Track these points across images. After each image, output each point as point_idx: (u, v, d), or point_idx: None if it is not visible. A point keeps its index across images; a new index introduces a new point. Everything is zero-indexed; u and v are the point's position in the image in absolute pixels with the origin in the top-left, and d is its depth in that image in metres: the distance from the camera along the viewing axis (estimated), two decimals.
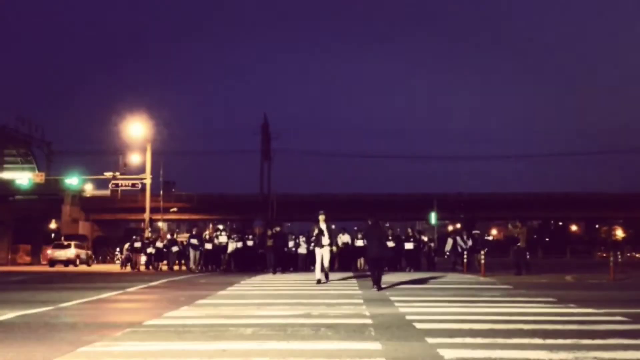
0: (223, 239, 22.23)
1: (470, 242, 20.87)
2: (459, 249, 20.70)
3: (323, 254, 13.31)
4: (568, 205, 52.75)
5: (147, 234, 31.10)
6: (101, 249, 49.30)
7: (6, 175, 52.11)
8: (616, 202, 51.97)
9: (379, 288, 11.25)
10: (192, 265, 21.98)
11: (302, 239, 21.46)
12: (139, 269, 25.30)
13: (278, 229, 20.85)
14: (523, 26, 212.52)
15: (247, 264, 21.65)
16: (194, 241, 22.21)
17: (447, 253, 22.22)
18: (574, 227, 78.95)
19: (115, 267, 30.53)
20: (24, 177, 41.52)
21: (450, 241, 22.16)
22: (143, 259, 26.05)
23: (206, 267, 22.12)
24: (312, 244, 14.73)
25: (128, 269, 26.58)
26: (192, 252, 22.06)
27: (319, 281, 13.01)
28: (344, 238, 20.79)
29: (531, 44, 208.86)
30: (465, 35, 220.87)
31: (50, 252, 32.73)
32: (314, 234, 13.63)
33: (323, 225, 13.51)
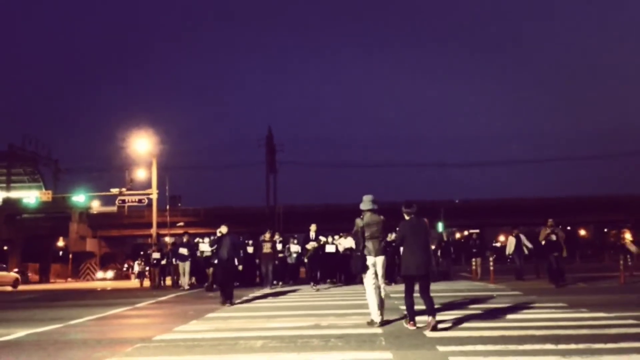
0: (205, 247, 18.03)
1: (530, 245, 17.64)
2: (525, 251, 17.37)
3: (378, 266, 7.88)
4: (577, 209, 52.50)
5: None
6: (109, 265, 49.54)
7: (14, 194, 52.50)
8: (625, 204, 51.71)
9: (435, 328, 6.94)
10: (182, 280, 18.38)
11: (292, 246, 18.11)
12: (159, 284, 20.92)
13: (224, 230, 12.21)
14: (528, 32, 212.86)
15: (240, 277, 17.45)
16: (183, 251, 18.15)
17: (510, 256, 17.91)
18: (582, 232, 78.53)
19: (130, 283, 30.33)
20: (31, 196, 41.73)
21: (512, 241, 17.72)
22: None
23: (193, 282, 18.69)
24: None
25: (146, 283, 23.80)
26: (180, 265, 18.30)
27: (371, 323, 7.67)
28: (345, 242, 17.33)
29: (536, 49, 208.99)
30: (468, 41, 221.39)
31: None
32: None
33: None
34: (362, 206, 7.99)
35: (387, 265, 8.26)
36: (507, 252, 17.87)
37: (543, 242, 14.40)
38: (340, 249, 17.25)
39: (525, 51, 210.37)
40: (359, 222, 7.88)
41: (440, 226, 45.19)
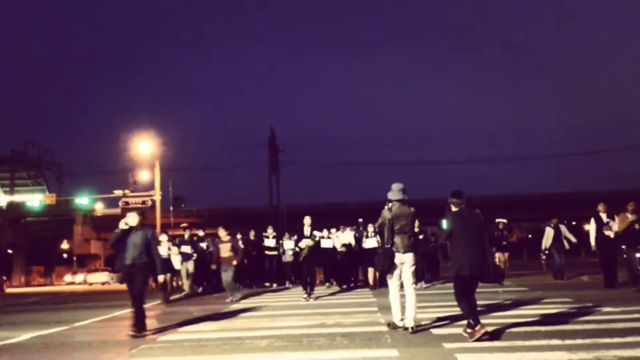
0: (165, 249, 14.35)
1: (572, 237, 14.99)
2: (567, 245, 14.88)
3: (407, 265, 7.02)
4: (581, 204, 52.35)
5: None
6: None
7: (18, 197, 52.70)
8: (630, 199, 51.56)
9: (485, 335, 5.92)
10: (184, 282, 15.44)
11: (286, 242, 15.44)
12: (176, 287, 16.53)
13: (132, 220, 8.13)
14: (523, 27, 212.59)
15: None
16: (186, 249, 15.11)
17: (546, 251, 15.17)
18: (587, 226, 78.47)
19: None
20: (35, 199, 41.92)
21: (550, 232, 14.86)
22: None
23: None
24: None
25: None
26: (183, 266, 15.13)
27: (393, 326, 6.97)
28: (343, 237, 15.27)
29: (533, 43, 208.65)
30: (472, 39, 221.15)
31: None
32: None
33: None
34: (391, 195, 7.10)
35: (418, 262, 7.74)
36: (543, 246, 15.20)
37: (610, 233, 11.85)
38: (337, 244, 15.10)
39: (529, 47, 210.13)
40: (386, 213, 7.01)
41: (444, 223, 45.09)
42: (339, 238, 15.30)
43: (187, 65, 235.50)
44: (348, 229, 15.72)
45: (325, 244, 14.75)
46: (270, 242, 15.55)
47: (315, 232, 12.85)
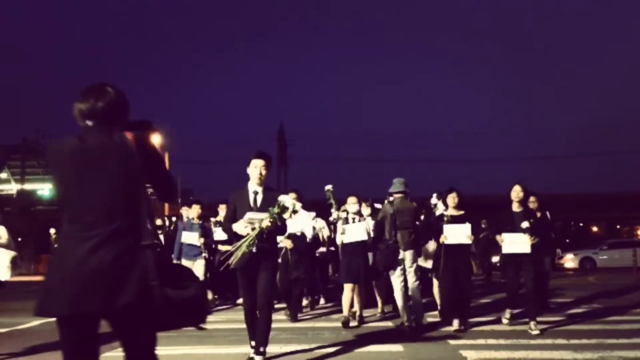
0: None
1: None
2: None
3: (407, 262, 6.77)
4: (589, 206, 52.10)
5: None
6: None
7: (28, 186, 53.09)
8: (638, 201, 51.26)
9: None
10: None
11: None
12: None
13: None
14: (530, 25, 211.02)
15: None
16: (192, 238, 8.87)
17: None
18: (595, 228, 77.98)
19: None
20: (45, 188, 42.20)
21: None
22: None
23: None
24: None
25: None
26: (187, 265, 7.73)
27: (402, 325, 6.67)
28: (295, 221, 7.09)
29: (541, 44, 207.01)
30: (474, 36, 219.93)
31: None
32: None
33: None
34: (392, 189, 6.78)
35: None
36: None
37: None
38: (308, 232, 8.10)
39: (535, 46, 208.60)
40: (387, 207, 6.68)
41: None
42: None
43: (199, 56, 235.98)
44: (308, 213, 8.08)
45: (298, 224, 7.55)
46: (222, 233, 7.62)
47: (283, 198, 4.94)
